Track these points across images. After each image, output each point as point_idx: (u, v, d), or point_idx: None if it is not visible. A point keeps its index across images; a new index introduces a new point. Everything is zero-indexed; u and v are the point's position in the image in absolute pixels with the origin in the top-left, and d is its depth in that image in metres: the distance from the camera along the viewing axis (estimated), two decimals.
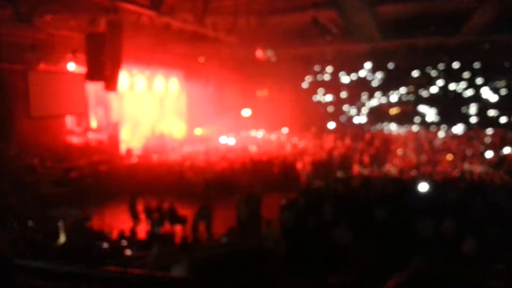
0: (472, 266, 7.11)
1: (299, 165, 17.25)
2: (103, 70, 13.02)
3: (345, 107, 35.78)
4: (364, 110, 35.26)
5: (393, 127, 29.80)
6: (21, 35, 16.42)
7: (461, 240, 8.26)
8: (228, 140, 25.87)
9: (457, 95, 33.59)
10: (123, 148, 20.65)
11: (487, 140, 22.08)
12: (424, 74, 35.04)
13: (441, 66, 34.01)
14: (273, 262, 8.83)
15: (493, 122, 28.75)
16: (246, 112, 32.73)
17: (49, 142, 18.83)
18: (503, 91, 32.06)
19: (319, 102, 36.61)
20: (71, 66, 18.52)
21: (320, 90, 36.99)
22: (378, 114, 34.24)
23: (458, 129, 27.16)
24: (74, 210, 11.62)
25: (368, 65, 35.57)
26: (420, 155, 18.10)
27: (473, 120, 30.16)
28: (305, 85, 36.64)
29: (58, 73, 18.17)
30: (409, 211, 10.18)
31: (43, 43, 17.50)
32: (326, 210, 10.64)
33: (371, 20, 15.53)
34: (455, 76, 34.18)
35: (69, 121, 21.00)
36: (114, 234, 10.19)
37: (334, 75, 36.85)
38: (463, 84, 33.56)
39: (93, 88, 17.57)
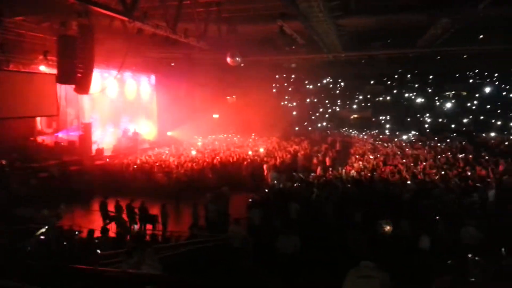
0: (427, 262, 7.51)
1: (265, 167, 17.82)
2: (74, 72, 12.89)
3: (309, 113, 36.99)
4: (327, 116, 36.61)
5: (353, 132, 31.13)
6: None
7: (416, 238, 8.70)
8: (197, 142, 26.25)
9: (411, 103, 35.58)
10: (94, 148, 20.53)
11: (439, 145, 23.39)
12: (381, 83, 36.89)
13: (397, 75, 35.92)
14: (242, 259, 9.00)
15: (444, 128, 30.54)
16: (216, 116, 33.20)
17: (18, 142, 18.52)
18: (454, 100, 34.28)
19: (285, 107, 37.65)
20: (42, 68, 18.30)
21: (287, 96, 38.11)
22: (340, 120, 35.63)
23: (412, 134, 28.66)
24: (44, 211, 11.29)
25: (330, 73, 37.07)
26: (377, 158, 18.99)
27: (426, 126, 31.93)
28: (272, 91, 37.60)
29: (28, 74, 17.83)
30: (368, 211, 10.39)
31: (13, 44, 17.17)
32: (291, 209, 11.11)
33: (333, 31, 16.31)
34: (409, 86, 36.23)
35: (39, 121, 20.80)
36: (84, 233, 9.95)
37: (300, 82, 38.16)
38: (416, 93, 35.62)
39: (65, 89, 17.39)
